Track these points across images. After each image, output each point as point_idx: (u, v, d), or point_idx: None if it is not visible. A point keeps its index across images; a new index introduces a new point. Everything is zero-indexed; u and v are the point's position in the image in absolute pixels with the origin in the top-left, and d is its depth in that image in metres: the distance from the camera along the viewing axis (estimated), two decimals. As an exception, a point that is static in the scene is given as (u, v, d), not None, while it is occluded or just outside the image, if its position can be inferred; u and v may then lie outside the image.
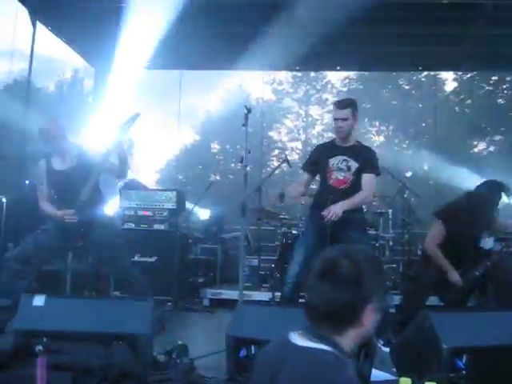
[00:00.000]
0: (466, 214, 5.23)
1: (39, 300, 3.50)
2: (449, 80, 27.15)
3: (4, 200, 6.70)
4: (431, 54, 9.88)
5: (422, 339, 3.24)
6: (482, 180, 5.97)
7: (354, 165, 4.89)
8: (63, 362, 2.96)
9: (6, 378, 2.85)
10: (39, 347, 3.10)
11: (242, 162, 5.36)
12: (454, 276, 5.14)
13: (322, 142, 5.61)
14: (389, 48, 9.64)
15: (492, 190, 5.60)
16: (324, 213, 4.65)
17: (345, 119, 4.89)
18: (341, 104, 4.99)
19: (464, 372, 3.02)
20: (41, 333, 3.29)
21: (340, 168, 4.90)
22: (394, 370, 3.49)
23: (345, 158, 4.90)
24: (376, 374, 3.39)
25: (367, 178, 4.91)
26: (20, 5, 8.12)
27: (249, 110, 5.37)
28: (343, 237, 4.75)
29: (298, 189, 5.18)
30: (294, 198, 5.16)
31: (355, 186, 4.89)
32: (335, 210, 4.64)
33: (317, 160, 5.08)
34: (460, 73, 23.53)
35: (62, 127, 4.97)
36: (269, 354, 1.93)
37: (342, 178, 4.90)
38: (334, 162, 4.92)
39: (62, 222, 4.84)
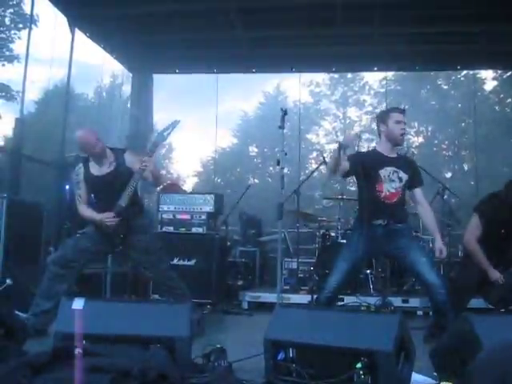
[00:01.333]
0: (503, 205, 5.17)
1: (78, 303, 3.52)
2: (488, 79, 26.76)
3: (44, 205, 6.78)
4: (470, 53, 9.75)
5: (462, 343, 3.18)
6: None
7: (404, 176, 4.79)
8: (102, 364, 2.97)
9: (45, 380, 2.87)
10: (78, 350, 3.12)
11: (278, 164, 5.34)
12: (494, 274, 5.05)
13: (361, 151, 5.30)
14: (427, 47, 9.55)
15: None
16: (440, 254, 4.74)
17: (405, 123, 4.85)
18: (401, 109, 4.97)
19: (508, 376, 2.95)
20: (80, 336, 3.32)
21: (392, 179, 4.77)
22: (435, 374, 3.43)
23: (395, 169, 4.78)
24: (416, 377, 3.34)
25: (420, 192, 4.90)
26: (59, 12, 8.25)
27: (285, 112, 5.34)
28: (393, 249, 4.78)
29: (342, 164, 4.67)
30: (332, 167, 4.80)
31: (403, 199, 4.86)
32: (442, 248, 4.75)
33: (365, 166, 4.77)
34: (500, 71, 23.15)
35: (96, 136, 4.99)
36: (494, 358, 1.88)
37: (393, 190, 4.77)
38: (385, 173, 4.76)
39: (101, 225, 4.88)
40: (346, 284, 5.00)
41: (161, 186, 5.87)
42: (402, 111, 4.88)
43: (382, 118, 4.89)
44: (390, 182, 4.76)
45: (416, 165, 4.99)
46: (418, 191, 4.88)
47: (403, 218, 4.84)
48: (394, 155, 4.86)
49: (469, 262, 5.28)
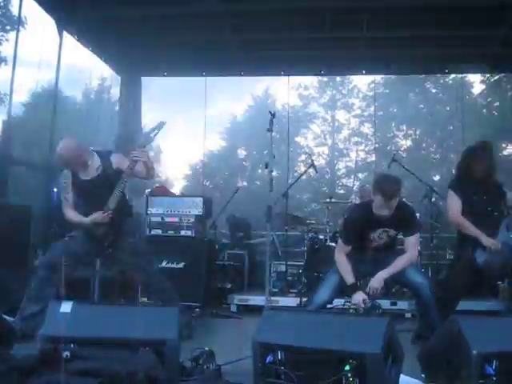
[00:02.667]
0: (463, 170, 5.31)
1: (66, 307, 3.51)
2: (476, 82, 26.92)
3: (32, 208, 6.75)
4: (458, 57, 9.81)
5: (451, 345, 3.19)
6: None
7: (393, 233, 4.91)
8: (90, 368, 2.96)
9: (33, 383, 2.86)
10: (66, 353, 3.11)
11: (267, 167, 5.35)
12: (488, 240, 5.01)
13: (356, 209, 5.46)
14: (415, 51, 9.58)
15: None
16: (361, 304, 4.66)
17: (391, 207, 4.72)
18: (392, 193, 4.66)
19: (494, 378, 2.96)
20: (68, 339, 3.31)
21: (381, 238, 4.91)
22: (423, 375, 3.45)
23: (385, 229, 4.86)
24: (404, 379, 3.36)
25: (410, 241, 4.92)
26: (47, 15, 8.22)
27: (273, 115, 5.36)
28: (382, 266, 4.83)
29: (349, 275, 4.85)
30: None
31: (392, 244, 5.02)
32: (374, 287, 4.70)
33: (358, 233, 4.94)
34: (487, 75, 23.29)
35: (77, 146, 4.97)
36: None
37: (381, 243, 4.94)
38: (375, 235, 4.89)
39: (90, 228, 4.87)
40: (336, 296, 5.03)
41: (152, 179, 5.85)
42: (389, 197, 4.65)
43: (374, 186, 4.81)
44: (379, 240, 4.92)
45: (408, 217, 4.94)
46: (407, 240, 4.92)
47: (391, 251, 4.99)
48: (387, 213, 4.75)
49: (462, 242, 5.29)
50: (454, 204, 5.27)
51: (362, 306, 4.63)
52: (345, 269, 4.84)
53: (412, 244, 4.90)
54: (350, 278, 4.78)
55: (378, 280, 4.71)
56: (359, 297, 4.67)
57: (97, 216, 4.85)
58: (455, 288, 5.28)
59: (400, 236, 5.04)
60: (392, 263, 4.79)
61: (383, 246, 4.93)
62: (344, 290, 4.97)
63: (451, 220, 5.41)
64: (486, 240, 5.02)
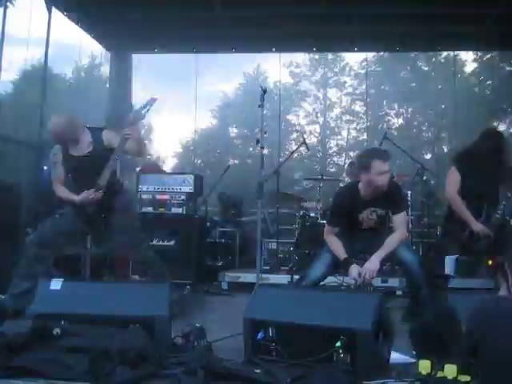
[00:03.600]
0: (479, 154, 5.28)
1: (56, 284, 3.50)
2: (468, 61, 26.78)
3: (22, 186, 6.71)
4: (451, 34, 9.76)
5: (440, 321, 3.21)
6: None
7: (382, 212, 4.91)
8: (80, 344, 2.96)
9: (24, 361, 2.85)
10: (57, 330, 3.11)
11: (258, 143, 5.32)
12: (477, 225, 5.07)
13: (342, 191, 5.40)
14: (407, 28, 9.53)
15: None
16: (356, 277, 4.64)
17: (383, 173, 4.71)
18: (384, 155, 4.74)
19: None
20: (58, 316, 3.30)
21: (370, 219, 4.91)
22: (414, 352, 3.46)
23: (372, 209, 4.87)
24: (395, 356, 3.37)
25: (398, 218, 4.90)
26: (35, -10, 8.13)
27: (264, 91, 5.33)
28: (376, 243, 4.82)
29: (341, 251, 4.85)
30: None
31: (383, 222, 5.00)
32: (371, 269, 4.65)
33: (344, 214, 4.94)
34: (480, 53, 23.21)
35: (70, 120, 4.94)
36: None
37: (372, 224, 4.94)
38: (363, 216, 4.89)
39: (80, 205, 4.85)
40: (330, 273, 5.05)
41: (144, 158, 5.84)
42: (386, 158, 4.71)
43: (363, 165, 4.75)
44: (368, 221, 4.93)
45: (395, 195, 4.91)
46: (395, 217, 4.90)
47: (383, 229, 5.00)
48: (374, 195, 4.82)
49: (451, 219, 5.32)
50: (452, 181, 5.30)
51: (359, 279, 4.63)
52: (336, 246, 4.84)
53: (400, 222, 4.89)
54: (342, 254, 4.79)
55: (373, 263, 4.69)
56: (355, 270, 4.68)
57: (87, 195, 4.82)
58: (451, 241, 5.32)
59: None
60: (383, 243, 4.79)
61: (374, 225, 4.93)
62: (338, 267, 4.99)
63: (447, 196, 5.43)
64: (475, 225, 5.07)
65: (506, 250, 5.02)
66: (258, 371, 2.88)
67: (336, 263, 4.90)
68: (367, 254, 4.86)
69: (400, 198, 5.01)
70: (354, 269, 4.68)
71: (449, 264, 5.08)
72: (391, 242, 4.78)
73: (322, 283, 5.04)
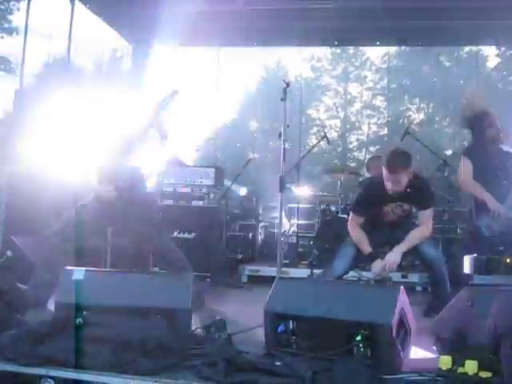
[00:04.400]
0: (485, 141, 5.30)
1: (79, 274, 3.53)
2: (491, 56, 26.55)
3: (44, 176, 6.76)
4: (473, 29, 9.66)
5: (462, 317, 3.19)
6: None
7: (407, 207, 4.91)
8: (102, 335, 2.98)
9: (46, 350, 2.89)
10: (79, 320, 3.13)
11: (280, 136, 5.32)
12: (494, 204, 5.05)
13: (370, 182, 5.52)
14: (429, 23, 9.45)
15: None
16: (376, 270, 4.69)
17: (396, 182, 4.74)
18: (391, 167, 4.71)
19: (507, 350, 2.96)
20: (80, 306, 3.33)
21: (394, 212, 4.91)
22: (434, 347, 3.44)
23: (399, 203, 4.88)
24: (415, 351, 3.36)
25: (423, 215, 4.92)
26: (58, -17, 8.17)
27: (287, 84, 5.32)
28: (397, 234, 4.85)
29: (365, 244, 4.91)
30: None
31: (407, 216, 4.99)
32: (392, 261, 4.67)
33: (370, 205, 4.96)
34: (503, 48, 22.98)
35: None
36: None
37: (395, 217, 4.93)
38: (388, 209, 4.89)
39: (101, 196, 4.88)
40: (352, 268, 5.05)
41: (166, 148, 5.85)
42: (395, 169, 4.69)
43: (382, 164, 4.82)
44: (393, 214, 4.93)
45: (424, 191, 4.93)
46: (420, 213, 4.93)
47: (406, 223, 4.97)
48: (400, 188, 4.79)
49: (466, 235, 5.32)
50: (466, 168, 5.33)
51: (384, 274, 4.63)
52: (361, 239, 4.85)
53: (426, 218, 4.89)
54: (367, 248, 4.79)
55: (395, 255, 4.69)
56: (379, 265, 4.67)
57: (108, 185, 4.84)
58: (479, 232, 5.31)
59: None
60: (406, 237, 4.77)
61: (397, 219, 4.92)
62: (361, 261, 4.99)
63: (462, 183, 5.48)
64: (492, 203, 5.05)
65: None
66: (278, 364, 2.88)
67: (358, 257, 4.91)
68: (388, 245, 4.86)
69: (427, 194, 4.98)
70: (379, 263, 4.68)
71: (467, 263, 5.06)
72: (414, 236, 4.77)
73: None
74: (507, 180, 5.17)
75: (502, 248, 5.26)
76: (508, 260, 5.01)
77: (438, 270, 4.79)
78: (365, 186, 5.40)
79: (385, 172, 4.69)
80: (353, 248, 4.89)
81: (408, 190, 4.79)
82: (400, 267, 7.11)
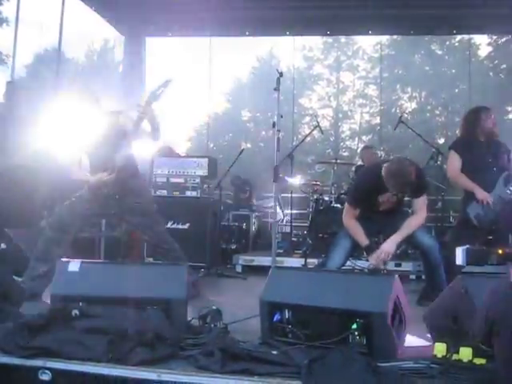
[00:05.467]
0: (467, 129, 5.41)
1: (74, 266, 3.53)
2: (483, 45, 26.57)
3: (39, 168, 6.75)
4: (465, 17, 9.67)
5: (457, 304, 3.21)
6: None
7: (402, 196, 4.88)
8: (99, 326, 2.99)
9: (43, 341, 2.89)
10: (75, 311, 3.14)
11: (274, 126, 5.33)
12: (481, 193, 5.09)
13: (365, 174, 5.44)
14: (421, 11, 9.46)
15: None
16: (373, 261, 4.70)
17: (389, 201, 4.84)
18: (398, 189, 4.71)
19: (500, 337, 2.99)
20: (77, 298, 3.34)
21: (390, 201, 4.87)
22: (429, 335, 3.47)
23: (394, 193, 4.82)
24: (410, 339, 3.39)
25: (418, 202, 4.92)
26: (49, -27, 8.12)
27: (281, 74, 5.33)
28: (391, 223, 4.84)
29: (361, 236, 4.91)
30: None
31: (400, 203, 4.99)
32: (386, 250, 4.69)
33: (366, 198, 4.94)
34: (495, 37, 23.02)
35: (94, 93, 4.99)
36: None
37: (390, 206, 4.91)
38: (384, 198, 4.86)
39: (96, 187, 4.87)
40: (348, 259, 5.07)
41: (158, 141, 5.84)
42: (395, 190, 4.72)
43: (387, 177, 4.77)
44: (388, 203, 4.88)
45: (419, 183, 4.84)
46: (415, 201, 4.93)
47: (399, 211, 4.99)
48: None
49: (463, 224, 5.34)
50: (453, 162, 5.37)
51: (379, 263, 4.66)
52: (357, 232, 4.87)
53: (421, 205, 4.91)
54: (364, 240, 4.82)
55: (390, 244, 4.72)
56: (375, 257, 4.70)
57: (101, 176, 4.83)
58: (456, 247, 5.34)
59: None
60: (402, 226, 4.80)
61: (391, 207, 4.93)
62: (357, 253, 5.00)
63: (450, 177, 5.53)
64: (479, 193, 5.09)
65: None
66: (274, 352, 2.90)
67: (354, 249, 4.93)
68: (382, 234, 4.88)
69: (422, 183, 4.94)
70: (375, 255, 4.71)
71: (459, 254, 5.09)
72: (410, 225, 4.81)
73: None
74: (497, 168, 5.20)
75: (491, 237, 5.33)
76: (500, 251, 5.05)
77: (434, 259, 4.82)
78: (359, 177, 5.40)
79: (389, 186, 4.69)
80: (349, 240, 4.90)
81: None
82: (394, 256, 7.19)
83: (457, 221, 5.77)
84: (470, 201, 5.17)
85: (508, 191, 5.08)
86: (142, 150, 6.43)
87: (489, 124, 5.30)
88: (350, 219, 4.96)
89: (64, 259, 3.71)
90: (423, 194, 4.93)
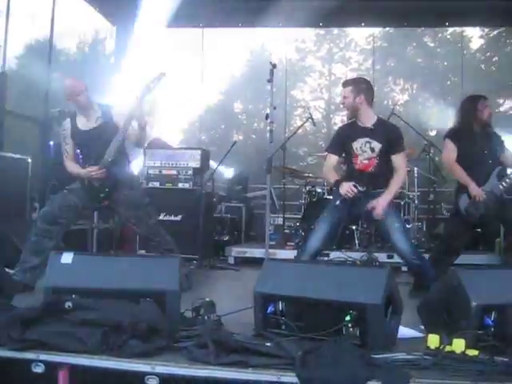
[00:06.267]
0: (460, 119, 5.43)
1: (67, 258, 3.52)
2: (475, 37, 26.45)
3: (29, 161, 6.72)
4: (457, 10, 9.67)
5: (450, 297, 3.22)
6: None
7: (377, 146, 4.82)
8: (93, 318, 2.98)
9: (36, 334, 2.88)
10: (68, 304, 3.13)
11: (267, 118, 5.32)
12: (475, 189, 5.10)
13: (343, 124, 5.51)
14: (414, 3, 9.46)
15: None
16: (347, 189, 4.66)
17: (344, 97, 4.97)
18: (343, 83, 5.08)
19: (492, 329, 3.00)
20: (70, 290, 3.33)
21: (364, 151, 4.84)
22: (422, 327, 3.48)
23: (367, 139, 4.82)
24: (403, 330, 3.39)
25: (397, 159, 4.90)
26: (40, -37, 8.07)
27: (274, 66, 5.33)
28: (371, 212, 4.78)
29: (333, 176, 4.96)
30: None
31: (381, 167, 4.89)
32: (381, 204, 4.70)
33: (341, 142, 4.99)
34: (487, 29, 22.99)
35: (84, 86, 4.96)
36: None
37: (366, 161, 4.85)
38: (357, 145, 4.84)
39: (88, 180, 4.86)
40: (326, 244, 5.05)
41: (143, 146, 5.82)
42: (343, 84, 5.03)
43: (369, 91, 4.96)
44: (363, 153, 4.85)
45: (394, 133, 4.95)
46: (394, 158, 4.90)
47: (382, 184, 4.87)
48: (371, 123, 4.89)
49: (455, 215, 5.35)
50: (448, 151, 5.37)
51: (351, 193, 4.64)
52: (329, 173, 4.95)
53: (400, 163, 4.91)
54: (333, 176, 4.89)
55: (384, 200, 4.73)
56: (347, 186, 4.69)
57: (92, 169, 4.83)
58: (450, 240, 5.36)
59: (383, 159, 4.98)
60: (388, 186, 4.82)
61: (369, 167, 4.87)
62: (335, 238, 4.97)
63: (446, 166, 5.63)
64: (472, 188, 5.09)
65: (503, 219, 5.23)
66: (268, 344, 2.90)
67: (333, 232, 4.92)
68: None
69: (398, 136, 4.96)
70: (346, 185, 4.69)
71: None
72: (395, 184, 4.85)
73: (327, 259, 5.05)
74: (493, 160, 5.20)
75: (479, 230, 5.35)
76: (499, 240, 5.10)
77: (410, 263, 4.81)
78: (339, 126, 5.45)
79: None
80: (327, 223, 4.85)
81: (373, 127, 4.86)
82: (385, 247, 7.22)
83: (450, 212, 5.78)
84: (462, 193, 5.17)
85: (501, 186, 5.09)
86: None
87: (484, 114, 5.29)
88: (328, 167, 5.01)
89: (56, 251, 3.69)
90: (401, 149, 4.94)
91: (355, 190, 4.65)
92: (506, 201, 5.22)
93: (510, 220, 5.23)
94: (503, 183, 5.09)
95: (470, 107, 5.35)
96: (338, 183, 4.81)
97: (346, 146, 4.92)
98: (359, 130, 4.87)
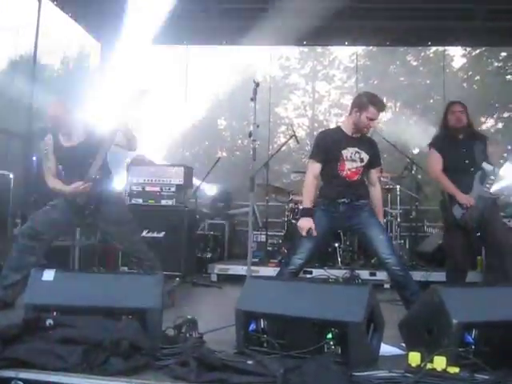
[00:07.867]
0: (443, 125, 5.57)
1: (48, 275, 3.50)
2: (457, 56, 26.73)
3: (11, 176, 6.68)
4: (440, 29, 9.79)
5: (431, 314, 3.24)
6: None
7: (365, 157, 4.84)
8: (73, 335, 2.96)
9: (16, 351, 2.86)
10: (49, 321, 3.11)
11: (250, 136, 5.34)
12: (463, 198, 5.19)
13: (326, 130, 5.46)
14: (397, 23, 9.56)
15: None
16: (305, 226, 4.68)
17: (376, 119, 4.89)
18: (382, 106, 4.87)
19: (473, 347, 3.01)
20: (51, 307, 3.31)
21: (353, 160, 4.81)
22: (403, 344, 3.50)
23: (356, 149, 4.82)
24: (385, 348, 3.40)
25: (374, 174, 5.03)
26: (25, -21, 8.07)
27: (257, 84, 5.34)
28: (354, 224, 4.84)
29: (310, 197, 4.86)
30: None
31: (362, 178, 4.93)
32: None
33: (327, 148, 4.86)
34: (469, 49, 23.24)
35: (64, 106, 4.94)
36: None
37: (354, 170, 4.82)
38: (347, 154, 4.80)
39: (71, 197, 4.84)
40: (309, 260, 5.04)
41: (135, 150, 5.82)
42: (382, 108, 4.84)
43: (360, 103, 4.81)
44: (352, 162, 4.81)
45: (377, 147, 5.05)
46: (373, 172, 5.00)
47: (364, 195, 4.91)
48: (358, 135, 4.88)
49: (449, 227, 5.44)
50: (434, 160, 5.47)
51: (304, 233, 4.63)
52: (308, 191, 4.83)
53: (376, 178, 5.05)
54: (308, 202, 4.81)
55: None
56: (306, 222, 4.67)
57: (77, 185, 4.81)
58: (454, 249, 5.39)
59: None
60: (377, 206, 4.95)
61: (355, 176, 4.87)
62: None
63: (432, 176, 5.63)
64: (460, 197, 5.20)
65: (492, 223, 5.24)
66: (250, 362, 2.89)
67: (316, 248, 4.90)
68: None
69: (378, 151, 5.06)
70: (306, 221, 4.69)
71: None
72: (379, 198, 5.04)
73: (310, 276, 5.03)
74: (474, 167, 5.27)
75: (478, 233, 5.40)
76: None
77: (395, 271, 4.76)
78: (321, 132, 5.31)
79: (371, 109, 4.73)
80: (310, 240, 4.81)
81: (364, 140, 4.90)
82: (368, 265, 7.24)
83: (444, 225, 5.79)
84: (454, 203, 5.24)
85: (485, 188, 5.19)
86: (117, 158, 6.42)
87: (451, 121, 5.45)
88: (310, 179, 4.87)
89: (38, 268, 3.67)
90: (380, 164, 5.13)
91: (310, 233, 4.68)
92: (497, 199, 5.41)
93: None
94: (487, 185, 5.18)
95: (444, 114, 5.58)
96: (305, 213, 4.80)
97: (332, 152, 4.82)
98: (348, 139, 4.85)
